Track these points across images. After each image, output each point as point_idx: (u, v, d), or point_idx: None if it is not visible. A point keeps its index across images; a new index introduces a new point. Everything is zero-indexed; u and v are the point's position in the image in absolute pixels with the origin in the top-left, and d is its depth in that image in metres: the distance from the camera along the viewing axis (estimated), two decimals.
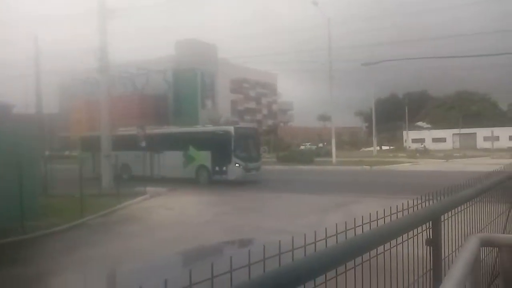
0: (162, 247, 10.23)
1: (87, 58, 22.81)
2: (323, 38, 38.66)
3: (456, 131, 71.25)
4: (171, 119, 28.61)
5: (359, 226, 1.89)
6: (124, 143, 25.60)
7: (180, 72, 31.14)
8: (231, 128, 23.07)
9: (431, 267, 2.48)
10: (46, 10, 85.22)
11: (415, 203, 2.57)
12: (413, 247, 2.38)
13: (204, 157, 23.15)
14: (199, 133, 24.72)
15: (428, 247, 2.52)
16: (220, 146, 22.42)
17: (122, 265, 9.23)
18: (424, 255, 2.55)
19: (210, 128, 25.87)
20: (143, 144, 25.48)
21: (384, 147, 65.44)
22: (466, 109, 76.82)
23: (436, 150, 59.32)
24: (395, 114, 75.77)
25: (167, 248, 10.13)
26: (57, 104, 40.63)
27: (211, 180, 22.67)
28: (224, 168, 22.40)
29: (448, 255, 2.78)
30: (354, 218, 1.91)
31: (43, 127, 22.06)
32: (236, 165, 22.08)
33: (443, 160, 40.40)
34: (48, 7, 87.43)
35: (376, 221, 2.00)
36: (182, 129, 26.14)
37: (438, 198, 2.80)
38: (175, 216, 14.51)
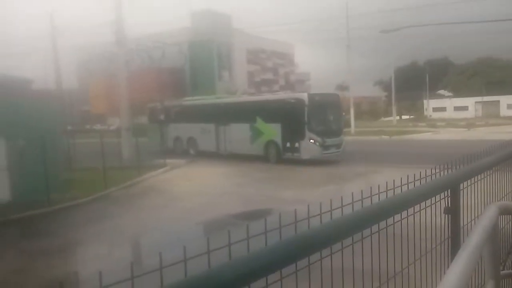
0: (183, 217, 10.46)
1: (104, 32, 22.80)
2: (341, 6, 37.76)
3: (478, 99, 69.55)
4: (188, 91, 28.64)
5: (375, 194, 1.89)
6: (190, 114, 23.74)
7: (196, 44, 30.96)
8: (304, 95, 18.76)
9: (449, 235, 2.48)
10: None
11: (433, 172, 2.55)
12: (431, 216, 2.38)
13: (273, 131, 19.62)
14: (267, 102, 20.95)
15: (446, 215, 2.51)
16: (292, 118, 18.70)
17: (144, 235, 9.49)
18: (443, 223, 2.55)
19: (279, 95, 22.90)
20: (207, 115, 22.68)
21: (404, 117, 64.52)
22: (489, 76, 74.60)
23: (458, 119, 58.24)
24: (415, 82, 74.15)
25: (187, 218, 10.35)
26: (76, 79, 41.07)
27: (281, 158, 19.31)
28: (297, 145, 18.73)
29: (467, 223, 2.78)
30: (371, 187, 1.92)
31: (63, 102, 22.41)
32: (311, 141, 18.28)
33: (464, 129, 39.69)
34: None
35: (393, 190, 2.00)
36: (249, 97, 23.70)
37: (457, 167, 2.77)
38: (194, 187, 14.75)
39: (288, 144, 19.18)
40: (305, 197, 11.32)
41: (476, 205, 2.95)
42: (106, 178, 14.11)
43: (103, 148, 15.29)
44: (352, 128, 36.63)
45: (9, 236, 9.61)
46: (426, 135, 34.99)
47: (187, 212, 11.03)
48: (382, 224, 1.86)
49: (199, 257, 1.32)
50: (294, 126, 18.68)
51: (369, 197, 1.87)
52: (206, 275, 1.07)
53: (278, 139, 19.53)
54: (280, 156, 19.43)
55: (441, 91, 79.38)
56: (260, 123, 20.40)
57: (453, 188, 2.45)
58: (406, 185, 2.15)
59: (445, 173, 2.60)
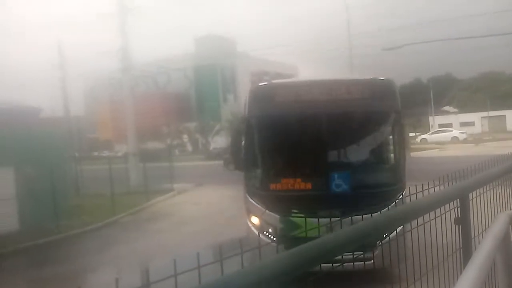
0: (191, 242, 10.39)
1: (110, 59, 23.19)
2: (342, 25, 38.27)
3: (484, 114, 69.36)
4: (194, 115, 28.88)
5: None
6: None
7: (200, 69, 31.39)
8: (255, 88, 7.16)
9: (461, 246, 2.47)
10: (69, 15, 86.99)
11: (441, 182, 2.55)
12: (441, 226, 2.37)
13: None
14: None
15: (456, 226, 2.50)
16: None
17: (153, 260, 9.44)
18: (454, 234, 2.54)
19: None
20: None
21: (410, 134, 64.41)
22: (493, 90, 74.58)
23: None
24: (419, 99, 74.14)
25: (195, 242, 10.28)
26: (83, 107, 41.56)
27: None
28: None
29: (478, 234, 2.76)
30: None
31: (71, 129, 22.65)
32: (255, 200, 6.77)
33: (472, 145, 39.48)
34: (70, 12, 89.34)
35: (401, 199, 2.01)
36: None
37: (466, 177, 2.77)
38: (202, 211, 14.68)
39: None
40: None
41: (486, 215, 2.94)
42: (114, 204, 14.12)
43: (111, 174, 15.35)
44: None
45: (19, 265, 9.59)
46: (433, 152, 34.80)
47: (193, 235, 10.97)
48: (393, 235, 1.87)
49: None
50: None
51: None
52: (215, 284, 1.07)
53: None
54: None
55: (446, 107, 79.28)
56: None
57: (462, 198, 2.45)
58: (415, 194, 2.15)
59: (454, 183, 2.60)
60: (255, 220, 6.58)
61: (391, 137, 6.56)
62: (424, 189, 2.27)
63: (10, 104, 14.04)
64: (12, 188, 11.64)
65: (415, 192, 2.19)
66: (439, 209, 2.28)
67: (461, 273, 2.30)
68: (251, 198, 6.71)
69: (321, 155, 6.54)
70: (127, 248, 10.28)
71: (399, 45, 24.87)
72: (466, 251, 2.44)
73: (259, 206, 6.46)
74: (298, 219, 6.00)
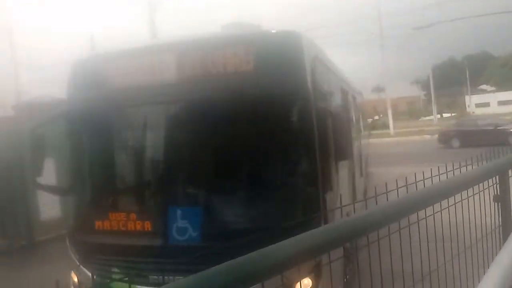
0: None
1: None
2: (371, 6, 37.43)
3: None
4: None
5: (420, 181, 1.88)
6: None
7: None
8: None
9: (500, 224, 2.43)
10: (98, 9, 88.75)
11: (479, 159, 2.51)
12: (479, 204, 2.34)
13: None
14: None
15: (496, 203, 2.46)
16: None
17: None
18: (493, 212, 2.50)
19: None
20: None
21: (445, 115, 62.68)
22: None
23: (503, 113, 55.93)
24: (455, 79, 71.89)
25: None
26: None
27: None
28: None
29: None
30: (415, 173, 1.90)
31: None
32: None
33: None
34: (99, 6, 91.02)
35: (438, 176, 1.99)
36: None
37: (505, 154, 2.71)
38: None
39: None
40: None
41: None
42: None
43: None
44: (391, 130, 36.43)
45: None
46: None
47: None
48: (429, 212, 1.85)
49: None
50: None
51: (413, 183, 1.86)
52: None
53: None
54: None
55: (483, 86, 76.51)
56: None
57: (501, 174, 2.40)
58: (452, 171, 2.13)
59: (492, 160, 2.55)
60: (75, 277, 4.08)
61: (294, 141, 3.59)
62: (461, 166, 2.24)
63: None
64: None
65: (452, 169, 2.16)
66: (477, 187, 2.26)
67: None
68: (69, 243, 4.20)
69: (169, 174, 3.95)
70: None
71: (430, 24, 24.13)
72: (506, 228, 2.39)
73: (73, 257, 4.08)
74: (119, 285, 3.25)
